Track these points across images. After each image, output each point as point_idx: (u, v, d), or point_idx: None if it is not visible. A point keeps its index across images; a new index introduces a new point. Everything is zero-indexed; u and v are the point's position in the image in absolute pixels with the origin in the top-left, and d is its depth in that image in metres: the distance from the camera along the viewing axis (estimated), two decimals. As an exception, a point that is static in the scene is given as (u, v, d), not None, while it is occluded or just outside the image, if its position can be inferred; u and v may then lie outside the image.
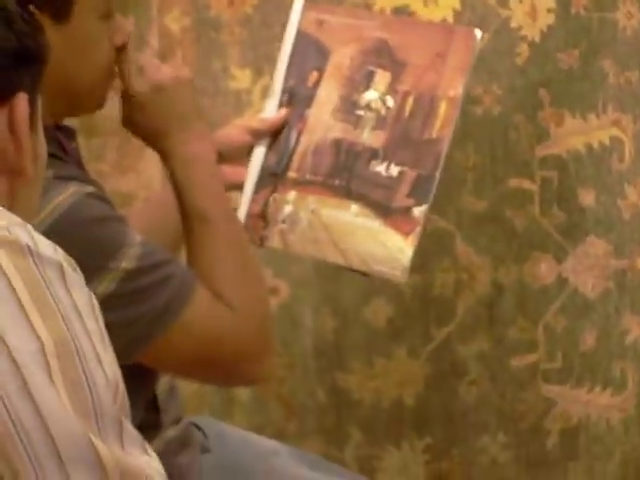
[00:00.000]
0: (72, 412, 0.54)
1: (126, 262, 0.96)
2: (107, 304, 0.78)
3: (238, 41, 1.58)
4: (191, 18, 1.57)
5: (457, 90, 1.12)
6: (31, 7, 0.85)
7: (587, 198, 1.64)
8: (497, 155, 1.60)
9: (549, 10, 1.58)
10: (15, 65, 0.67)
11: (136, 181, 1.58)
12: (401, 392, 1.61)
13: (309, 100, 1.20)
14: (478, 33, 1.14)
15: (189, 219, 1.05)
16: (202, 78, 1.57)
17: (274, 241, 1.18)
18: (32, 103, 0.69)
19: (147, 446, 0.61)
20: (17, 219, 0.60)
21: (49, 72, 0.92)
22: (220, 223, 1.04)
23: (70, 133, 1.05)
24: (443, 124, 1.12)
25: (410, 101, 1.14)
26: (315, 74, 1.19)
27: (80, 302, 0.59)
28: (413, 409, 1.62)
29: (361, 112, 1.16)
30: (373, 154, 1.14)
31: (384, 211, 1.11)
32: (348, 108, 1.16)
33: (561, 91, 1.61)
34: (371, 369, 1.59)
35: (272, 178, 1.19)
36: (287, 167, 1.18)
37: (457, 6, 1.57)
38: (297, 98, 1.20)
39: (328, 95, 1.18)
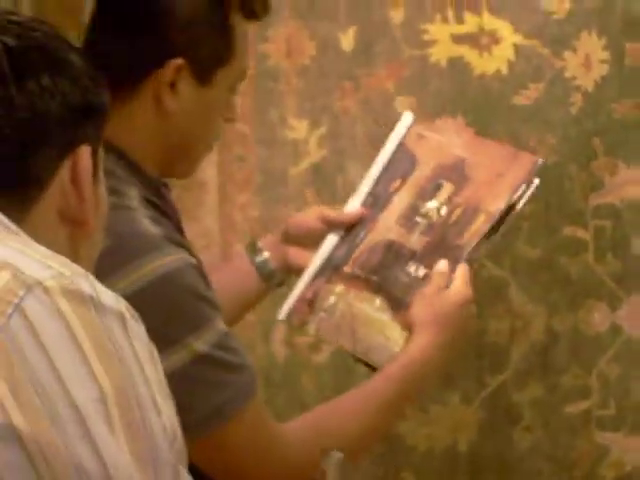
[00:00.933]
0: (131, 459, 0.56)
1: (200, 344, 0.97)
2: (172, 379, 0.80)
3: (295, 91, 1.62)
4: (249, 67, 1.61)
5: (498, 206, 1.19)
6: (179, 62, 1.00)
7: None
8: (551, 204, 1.62)
9: (602, 61, 1.60)
10: (79, 119, 0.70)
11: (195, 230, 1.61)
12: (455, 438, 1.63)
13: (386, 204, 1.27)
14: (540, 161, 1.23)
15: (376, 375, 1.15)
16: (259, 127, 1.61)
17: (311, 329, 1.25)
18: (94, 155, 0.71)
19: None
20: (80, 269, 0.61)
21: (171, 128, 1.05)
22: (371, 403, 1.10)
23: (167, 187, 1.11)
24: (472, 234, 1.19)
25: (458, 211, 1.22)
26: (399, 181, 1.27)
27: (141, 351, 0.60)
28: (466, 455, 1.63)
29: (419, 219, 1.24)
30: (412, 256, 1.21)
31: (398, 305, 1.17)
32: (410, 215, 1.24)
33: (615, 141, 1.63)
34: (425, 415, 1.61)
35: (332, 269, 1.24)
36: (345, 261, 1.23)
37: (511, 57, 1.60)
38: (378, 202, 1.27)
39: (400, 201, 1.25)
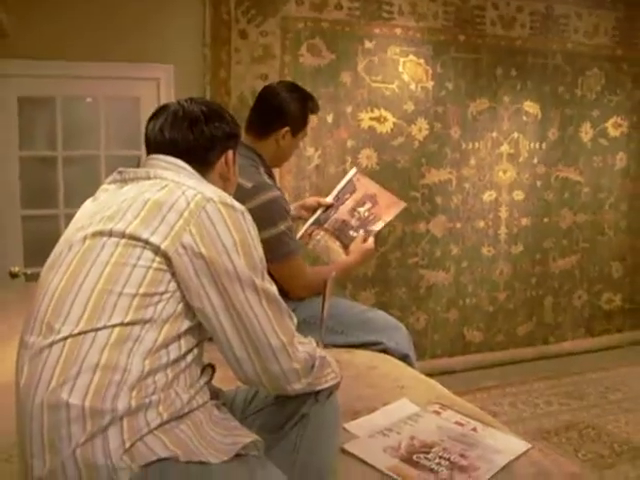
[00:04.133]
0: (246, 267, 1.27)
1: (282, 226, 2.21)
2: (271, 239, 2.14)
3: (309, 137, 3.70)
4: (292, 128, 3.88)
5: (387, 218, 2.60)
6: (287, 128, 2.38)
7: (439, 200, 4.09)
8: (405, 182, 3.99)
9: (425, 129, 4.00)
10: (229, 139, 1.48)
11: (270, 189, 3.93)
12: (366, 269, 4.06)
13: (343, 202, 2.61)
14: (404, 204, 2.65)
15: (337, 266, 2.48)
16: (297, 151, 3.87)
17: (310, 246, 2.61)
18: (234, 154, 1.50)
19: (272, 281, 1.33)
20: (226, 194, 1.32)
21: (278, 151, 2.44)
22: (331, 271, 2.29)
23: (271, 169, 2.45)
24: (376, 226, 2.58)
25: (372, 216, 2.59)
26: (348, 195, 2.63)
27: (250, 225, 1.31)
28: (373, 276, 4.07)
29: (356, 214, 2.60)
30: (352, 228, 2.58)
31: (345, 247, 2.59)
32: (353, 211, 2.59)
33: (429, 160, 4.04)
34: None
35: (319, 224, 2.62)
36: (325, 222, 2.61)
37: (391, 126, 3.92)
38: (339, 200, 2.63)
39: (349, 204, 2.61)
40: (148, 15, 3.50)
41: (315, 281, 2.30)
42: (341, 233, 2.58)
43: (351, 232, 2.58)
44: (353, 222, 2.58)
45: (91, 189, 1.48)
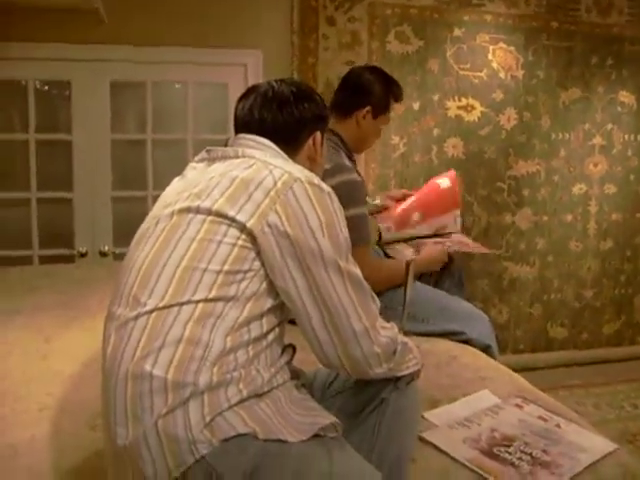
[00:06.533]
0: (331, 248, 1.26)
1: (356, 210, 2.18)
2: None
3: (394, 125, 3.74)
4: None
5: (469, 250, 2.68)
6: (368, 108, 2.43)
7: (526, 192, 3.98)
8: (491, 172, 3.91)
9: (514, 119, 3.90)
10: (317, 120, 1.49)
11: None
12: None
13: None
14: (487, 250, 2.85)
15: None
16: (382, 138, 3.83)
17: (387, 249, 2.60)
18: (322, 135, 1.50)
19: (356, 264, 1.30)
20: (314, 175, 1.32)
21: (359, 132, 2.48)
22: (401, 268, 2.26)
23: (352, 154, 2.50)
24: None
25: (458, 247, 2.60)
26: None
27: (336, 206, 1.30)
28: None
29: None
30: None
31: (416, 251, 2.54)
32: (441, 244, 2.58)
33: (517, 150, 3.93)
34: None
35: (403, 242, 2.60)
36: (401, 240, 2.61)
37: (479, 115, 3.84)
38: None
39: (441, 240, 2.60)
40: (237, 2, 3.54)
41: (380, 272, 2.25)
42: (419, 244, 2.56)
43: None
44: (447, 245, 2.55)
45: (179, 171, 1.50)
